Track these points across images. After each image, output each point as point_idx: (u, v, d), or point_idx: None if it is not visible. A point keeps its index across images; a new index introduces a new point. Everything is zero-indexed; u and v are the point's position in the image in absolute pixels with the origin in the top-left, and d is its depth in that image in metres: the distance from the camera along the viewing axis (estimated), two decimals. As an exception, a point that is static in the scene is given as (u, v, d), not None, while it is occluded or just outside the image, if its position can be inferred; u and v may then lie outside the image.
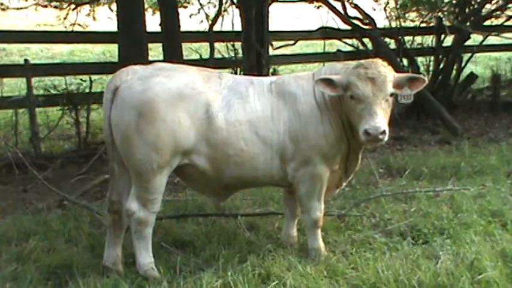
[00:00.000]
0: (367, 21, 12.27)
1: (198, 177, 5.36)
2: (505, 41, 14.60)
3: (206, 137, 5.17)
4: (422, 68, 12.75)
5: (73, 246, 6.02)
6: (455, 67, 12.77)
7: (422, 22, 13.65)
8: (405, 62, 12.51)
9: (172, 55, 9.82)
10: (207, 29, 11.16)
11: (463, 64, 12.99)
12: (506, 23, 13.71)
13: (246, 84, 5.43)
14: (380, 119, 4.93)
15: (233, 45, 10.82)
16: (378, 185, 7.60)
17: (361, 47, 12.39)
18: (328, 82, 5.15)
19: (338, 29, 12.22)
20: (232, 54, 10.89)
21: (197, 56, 11.06)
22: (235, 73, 10.52)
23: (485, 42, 13.86)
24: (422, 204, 6.76)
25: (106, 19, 14.69)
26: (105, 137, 5.31)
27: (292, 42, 12.11)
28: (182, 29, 10.25)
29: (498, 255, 5.32)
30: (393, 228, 6.14)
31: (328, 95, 5.29)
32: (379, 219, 6.43)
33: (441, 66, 12.69)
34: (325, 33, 12.07)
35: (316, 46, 14.94)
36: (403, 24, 13.19)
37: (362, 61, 5.21)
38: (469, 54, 13.19)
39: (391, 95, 5.10)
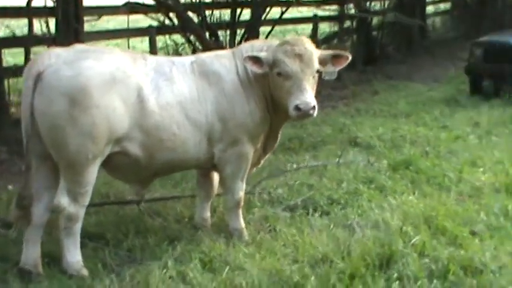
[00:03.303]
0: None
1: (128, 165, 5.07)
2: (305, 14, 15.46)
3: (139, 122, 4.91)
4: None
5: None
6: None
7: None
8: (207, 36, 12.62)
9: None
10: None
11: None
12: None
13: (168, 65, 5.22)
14: (310, 95, 5.03)
15: (46, 22, 10.06)
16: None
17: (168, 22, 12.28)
18: (256, 60, 5.15)
19: (144, 4, 11.97)
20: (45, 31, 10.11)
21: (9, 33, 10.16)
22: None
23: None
24: (305, 178, 7.04)
25: None
26: (25, 127, 4.76)
27: (96, 17, 11.59)
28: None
29: (402, 218, 5.79)
30: (294, 203, 6.34)
31: (252, 73, 5.29)
32: (273, 195, 6.55)
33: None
34: (132, 7, 11.74)
35: (120, 22, 14.46)
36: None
37: (287, 38, 5.29)
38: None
39: (317, 71, 5.23)
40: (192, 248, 5.25)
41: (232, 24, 13.12)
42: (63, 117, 4.62)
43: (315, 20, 15.17)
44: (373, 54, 16.63)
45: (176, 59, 5.41)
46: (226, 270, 4.84)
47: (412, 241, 5.17)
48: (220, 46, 11.90)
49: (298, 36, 5.34)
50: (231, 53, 5.47)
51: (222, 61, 5.37)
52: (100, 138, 4.73)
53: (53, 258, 5.14)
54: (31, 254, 4.97)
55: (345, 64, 5.37)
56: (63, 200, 4.82)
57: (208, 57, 5.46)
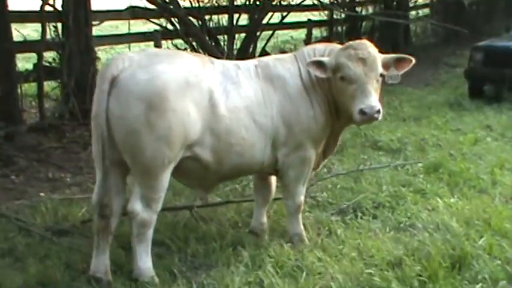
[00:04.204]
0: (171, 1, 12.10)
1: (197, 170, 5.00)
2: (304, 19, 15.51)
3: (210, 126, 4.86)
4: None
5: (24, 261, 5.24)
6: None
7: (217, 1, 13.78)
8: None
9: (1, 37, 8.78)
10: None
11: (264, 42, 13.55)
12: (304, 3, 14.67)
13: (234, 69, 5.18)
14: (374, 98, 5.02)
15: (55, 26, 9.91)
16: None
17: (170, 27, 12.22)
18: (319, 64, 5.12)
19: (146, 9, 11.87)
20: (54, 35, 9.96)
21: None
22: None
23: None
24: (344, 182, 7.05)
25: None
26: (99, 132, 4.66)
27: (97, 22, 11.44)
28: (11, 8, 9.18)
29: (459, 220, 5.85)
30: (342, 207, 6.35)
31: (315, 77, 5.28)
32: (319, 199, 6.55)
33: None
34: (134, 12, 11.64)
35: (121, 26, 14.32)
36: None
37: (351, 42, 5.25)
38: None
39: (381, 75, 5.23)
40: (259, 253, 5.20)
41: (231, 29, 13.15)
42: (140, 121, 4.55)
43: (309, 24, 15.24)
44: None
45: (240, 62, 5.35)
46: (303, 275, 4.81)
47: (479, 243, 5.21)
48: (220, 51, 11.92)
49: (361, 40, 5.33)
50: (293, 57, 5.45)
51: (286, 65, 5.34)
52: (176, 143, 4.67)
53: (118, 266, 5.06)
54: (102, 261, 4.88)
55: (408, 67, 5.37)
56: (136, 205, 4.74)
57: (271, 61, 5.42)
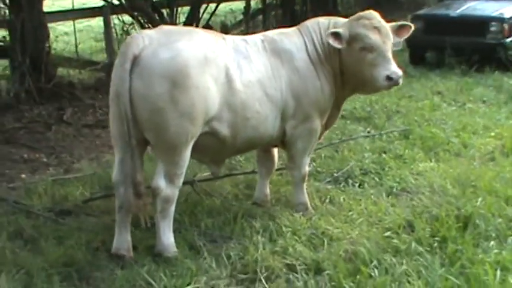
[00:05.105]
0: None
1: (214, 145, 5.07)
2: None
3: (228, 101, 4.93)
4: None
5: (34, 244, 5.20)
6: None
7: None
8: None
9: None
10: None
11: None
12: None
13: (243, 44, 5.25)
14: (395, 64, 5.27)
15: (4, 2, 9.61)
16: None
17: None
18: (337, 35, 5.25)
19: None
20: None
21: None
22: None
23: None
24: (326, 151, 7.25)
25: None
26: (123, 112, 4.61)
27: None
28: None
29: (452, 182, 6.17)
30: (334, 176, 6.55)
31: (321, 49, 5.42)
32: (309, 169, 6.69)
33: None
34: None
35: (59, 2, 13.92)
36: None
37: (360, 13, 5.42)
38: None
39: None
40: (273, 223, 5.30)
41: (172, 2, 13.04)
42: (164, 99, 4.58)
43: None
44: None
45: (247, 37, 5.41)
46: (325, 242, 4.98)
47: (478, 203, 5.50)
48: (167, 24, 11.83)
49: (369, 10, 5.47)
50: (298, 31, 5.55)
51: (292, 39, 5.44)
52: (198, 119, 4.73)
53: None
54: (124, 238, 4.93)
55: (408, 34, 5.60)
56: (160, 182, 4.79)
57: (276, 35, 5.50)
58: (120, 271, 4.70)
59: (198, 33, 5.01)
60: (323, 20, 5.62)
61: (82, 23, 15.91)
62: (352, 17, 5.42)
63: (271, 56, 5.31)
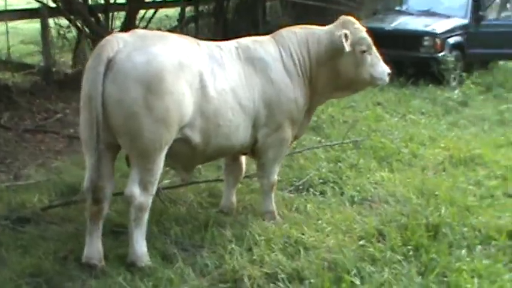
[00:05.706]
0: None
1: (185, 151, 4.97)
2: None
3: (201, 108, 4.85)
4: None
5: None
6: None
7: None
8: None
9: None
10: None
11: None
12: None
13: (217, 50, 5.19)
14: None
15: None
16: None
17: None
18: (347, 38, 5.37)
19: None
20: None
21: None
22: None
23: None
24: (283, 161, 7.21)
25: None
26: (94, 116, 4.45)
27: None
28: None
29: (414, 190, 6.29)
30: (295, 185, 6.55)
31: (296, 59, 5.46)
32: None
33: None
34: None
35: None
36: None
37: (347, 18, 5.61)
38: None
39: None
40: (245, 232, 5.23)
41: (108, 7, 12.82)
42: (139, 104, 4.47)
43: (182, 3, 15.17)
44: (230, 37, 16.89)
45: (221, 44, 5.33)
46: (301, 251, 4.95)
47: (442, 212, 5.60)
48: (105, 30, 11.61)
49: (343, 17, 5.63)
50: (273, 40, 5.52)
51: (267, 48, 5.41)
52: (173, 125, 4.64)
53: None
54: (96, 247, 4.78)
55: None
56: (135, 190, 4.66)
57: (250, 42, 5.45)
58: (93, 281, 4.55)
59: (173, 38, 4.92)
60: (299, 30, 5.63)
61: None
62: (337, 23, 5.53)
63: (245, 64, 5.26)
